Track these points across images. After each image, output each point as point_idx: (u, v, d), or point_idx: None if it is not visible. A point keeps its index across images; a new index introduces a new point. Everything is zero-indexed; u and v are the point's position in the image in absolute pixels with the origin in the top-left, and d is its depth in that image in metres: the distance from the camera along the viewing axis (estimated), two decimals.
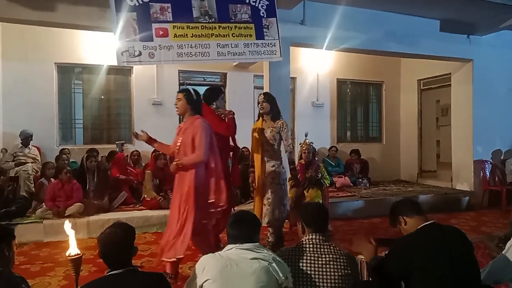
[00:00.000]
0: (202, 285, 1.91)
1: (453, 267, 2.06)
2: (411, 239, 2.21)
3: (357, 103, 9.48)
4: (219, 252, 2.03)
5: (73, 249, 2.71)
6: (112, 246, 1.87)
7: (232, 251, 2.00)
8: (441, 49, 6.90)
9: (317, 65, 8.44)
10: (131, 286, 1.80)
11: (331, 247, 2.19)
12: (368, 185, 7.92)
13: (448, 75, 7.94)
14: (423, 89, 9.04)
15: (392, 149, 9.37)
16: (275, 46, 4.96)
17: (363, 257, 2.53)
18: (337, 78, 8.90)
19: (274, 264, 1.95)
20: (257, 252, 1.98)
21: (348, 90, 9.33)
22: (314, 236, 2.21)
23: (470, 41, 7.16)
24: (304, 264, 2.13)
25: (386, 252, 2.31)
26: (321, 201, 4.97)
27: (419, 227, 2.23)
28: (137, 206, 5.83)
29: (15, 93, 6.62)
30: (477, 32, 7.11)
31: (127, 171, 6.35)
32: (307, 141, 5.41)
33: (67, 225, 2.79)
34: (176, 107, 3.67)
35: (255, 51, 4.89)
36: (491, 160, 7.43)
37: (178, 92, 3.80)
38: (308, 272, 2.10)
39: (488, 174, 7.30)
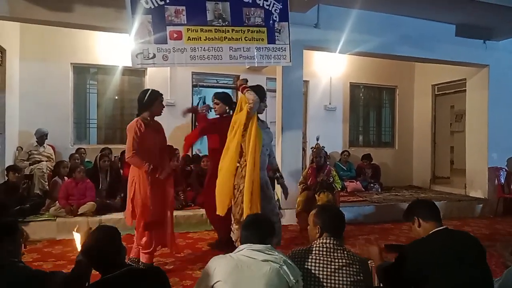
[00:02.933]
0: (212, 286, 1.91)
1: (465, 273, 2.04)
2: (423, 244, 2.19)
3: (370, 107, 9.42)
4: (230, 253, 2.04)
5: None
6: (102, 253, 1.87)
7: (243, 251, 2.00)
8: (456, 54, 6.82)
9: (330, 69, 8.41)
10: (131, 285, 1.80)
11: (345, 252, 2.16)
12: (379, 190, 7.85)
13: (463, 80, 7.84)
14: (438, 94, 8.94)
15: (404, 154, 9.28)
16: (285, 50, 4.99)
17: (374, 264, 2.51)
18: (350, 82, 8.86)
19: (285, 267, 1.95)
20: (268, 254, 1.98)
21: (361, 94, 9.28)
22: (328, 240, 2.18)
23: (486, 46, 7.06)
24: (316, 268, 2.10)
25: (396, 257, 2.29)
26: None
27: (431, 232, 2.22)
28: None
29: (32, 92, 6.74)
30: (494, 37, 7.00)
31: None
32: (318, 145, 5.40)
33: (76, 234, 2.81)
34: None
35: (265, 55, 4.91)
36: (506, 167, 7.30)
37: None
38: (320, 276, 2.08)
39: (503, 181, 7.17)
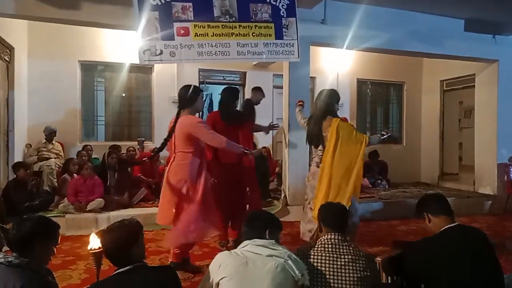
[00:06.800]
0: (218, 283, 1.91)
1: (476, 271, 2.02)
2: (435, 241, 2.17)
3: (377, 103, 9.36)
4: (235, 249, 2.04)
5: (94, 243, 2.78)
6: (113, 246, 1.88)
7: (247, 247, 2.01)
8: (465, 49, 6.75)
9: (337, 65, 8.37)
10: (138, 282, 1.80)
11: (351, 248, 2.16)
12: (387, 186, 7.82)
13: (472, 76, 7.76)
14: (446, 90, 8.86)
15: (412, 150, 9.22)
16: (293, 46, 4.97)
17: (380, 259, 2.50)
18: (357, 78, 8.82)
19: (289, 261, 1.95)
20: (272, 249, 1.98)
21: (368, 91, 9.23)
22: (333, 236, 2.19)
23: (495, 41, 6.97)
24: (323, 264, 2.11)
25: (402, 252, 2.28)
26: None
27: (443, 228, 2.19)
28: (156, 202, 5.88)
29: (40, 89, 6.80)
30: (504, 32, 6.92)
31: (151, 171, 6.47)
32: None
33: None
34: None
35: (273, 51, 4.90)
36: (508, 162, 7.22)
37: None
38: (326, 272, 2.08)
39: None
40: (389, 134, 4.20)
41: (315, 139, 4.03)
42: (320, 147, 4.03)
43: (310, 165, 4.18)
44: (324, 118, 3.97)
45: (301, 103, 4.73)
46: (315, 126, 4.02)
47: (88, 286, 1.91)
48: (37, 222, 1.97)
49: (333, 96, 4.14)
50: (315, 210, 3.72)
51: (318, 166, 4.01)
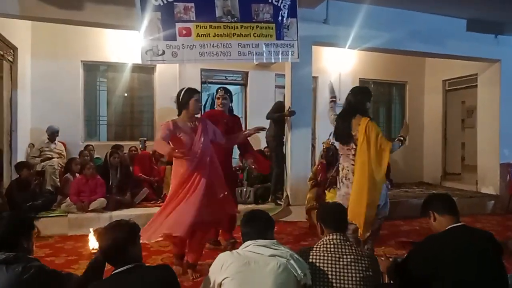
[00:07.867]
0: (221, 283, 1.91)
1: (481, 271, 2.01)
2: (439, 240, 2.17)
3: (380, 103, 9.34)
4: (237, 250, 2.05)
5: (96, 243, 2.79)
6: (110, 244, 1.90)
7: (249, 248, 2.01)
8: (467, 49, 6.74)
9: (339, 65, 8.36)
10: (136, 282, 1.82)
11: (353, 248, 2.16)
12: (389, 186, 7.75)
13: (475, 75, 7.74)
14: (448, 90, 8.84)
15: (415, 150, 9.18)
16: (293, 47, 5.00)
17: (383, 258, 2.50)
18: (359, 78, 8.79)
19: (292, 261, 1.95)
20: (274, 249, 1.99)
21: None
22: (334, 236, 2.18)
23: (498, 41, 6.96)
24: (325, 264, 2.10)
25: (408, 252, 2.28)
26: None
27: (447, 227, 2.19)
28: (158, 202, 5.90)
29: (43, 90, 6.81)
30: (506, 32, 6.91)
31: (151, 169, 6.46)
32: (329, 140, 5.38)
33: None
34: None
35: (274, 51, 4.93)
36: None
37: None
38: (329, 272, 2.08)
39: None
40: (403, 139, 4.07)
41: (345, 137, 3.88)
42: (353, 145, 3.87)
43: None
44: (354, 116, 3.80)
45: (333, 99, 4.46)
46: (344, 123, 3.88)
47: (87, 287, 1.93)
48: (17, 221, 2.05)
49: (365, 93, 4.00)
50: (354, 212, 3.61)
51: (351, 165, 3.91)
